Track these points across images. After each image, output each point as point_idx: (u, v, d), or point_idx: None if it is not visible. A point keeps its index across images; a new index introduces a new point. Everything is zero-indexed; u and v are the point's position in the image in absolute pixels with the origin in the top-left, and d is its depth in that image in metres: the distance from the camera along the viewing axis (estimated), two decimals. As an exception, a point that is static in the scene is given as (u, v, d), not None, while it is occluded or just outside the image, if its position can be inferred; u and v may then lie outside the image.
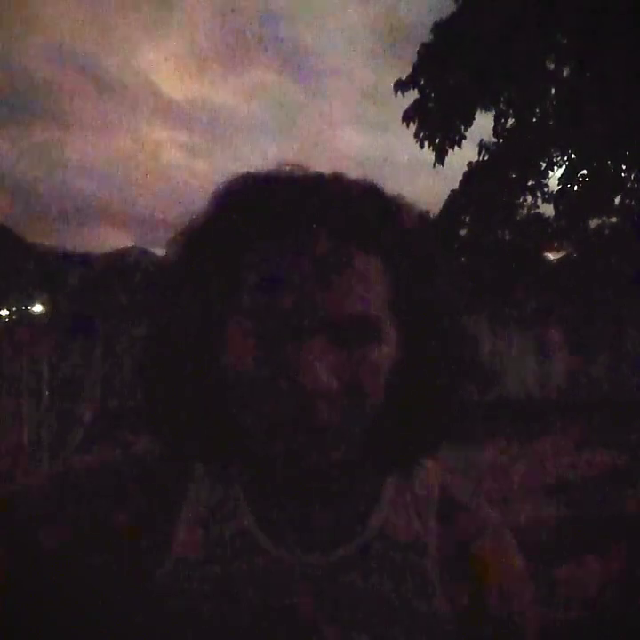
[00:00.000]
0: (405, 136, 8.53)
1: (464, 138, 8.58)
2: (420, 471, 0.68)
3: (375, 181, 0.65)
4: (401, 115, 8.61)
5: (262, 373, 0.57)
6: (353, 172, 0.65)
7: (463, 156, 8.86)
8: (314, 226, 0.58)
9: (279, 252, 0.58)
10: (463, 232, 9.14)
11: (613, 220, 8.83)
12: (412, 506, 0.66)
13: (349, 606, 0.62)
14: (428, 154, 8.56)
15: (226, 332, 0.60)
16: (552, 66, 8.34)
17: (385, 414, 0.60)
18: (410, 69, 8.55)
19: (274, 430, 0.58)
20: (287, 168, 0.65)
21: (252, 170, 0.66)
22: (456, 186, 9.07)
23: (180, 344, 0.62)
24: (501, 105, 8.70)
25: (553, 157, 8.72)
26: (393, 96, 8.54)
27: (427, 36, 8.51)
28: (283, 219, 0.59)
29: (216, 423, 0.61)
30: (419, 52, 8.47)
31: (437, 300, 0.62)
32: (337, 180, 0.64)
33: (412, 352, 0.61)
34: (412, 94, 8.53)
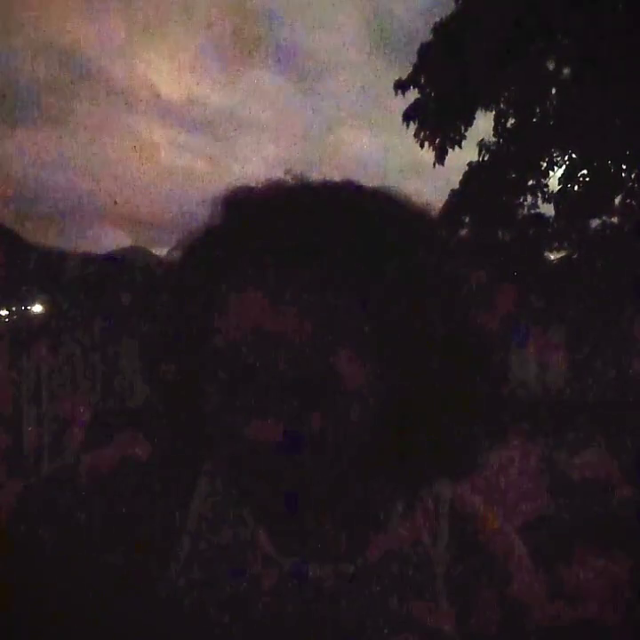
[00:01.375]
0: (404, 136, 8.53)
1: (464, 138, 8.58)
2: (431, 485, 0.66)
3: (391, 190, 0.62)
4: (399, 114, 8.60)
5: (223, 414, 0.58)
6: (352, 173, 0.63)
7: (463, 156, 8.85)
8: (301, 261, 0.56)
9: (243, 304, 0.57)
10: (463, 232, 9.12)
11: (614, 220, 8.83)
12: (422, 520, 0.65)
13: (353, 618, 0.61)
14: (427, 154, 8.55)
15: (200, 360, 0.59)
16: (552, 66, 8.33)
17: (389, 437, 0.58)
18: (406, 69, 8.54)
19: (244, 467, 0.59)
20: (289, 178, 0.63)
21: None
22: (454, 186, 9.06)
23: (171, 351, 0.61)
24: (501, 105, 8.69)
25: (553, 157, 8.71)
26: (390, 96, 8.53)
27: (422, 36, 8.50)
28: (264, 256, 0.57)
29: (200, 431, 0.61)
30: (419, 52, 8.46)
31: (449, 322, 0.60)
32: (342, 195, 0.61)
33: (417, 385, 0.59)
34: (411, 95, 8.52)
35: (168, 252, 0.65)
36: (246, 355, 0.56)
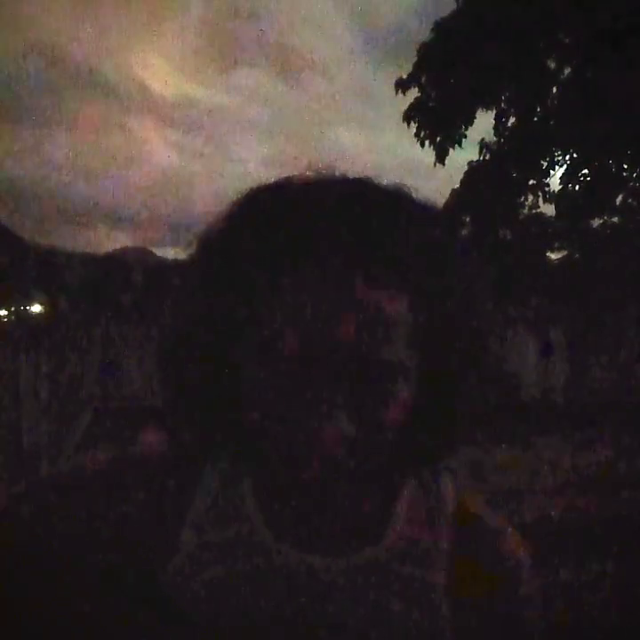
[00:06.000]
0: (394, 135, 8.56)
1: (465, 137, 8.59)
2: (436, 486, 0.67)
3: (406, 191, 0.63)
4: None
5: (278, 410, 0.56)
6: (348, 172, 0.64)
7: (462, 156, 8.87)
8: (342, 262, 0.56)
9: (303, 288, 0.56)
10: (464, 232, 9.14)
11: (615, 219, 8.84)
12: (425, 519, 0.65)
13: (352, 614, 0.61)
14: (421, 153, 8.58)
15: (243, 352, 0.59)
16: (553, 65, 8.35)
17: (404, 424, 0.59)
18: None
19: (284, 457, 0.57)
20: (313, 175, 0.62)
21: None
22: (449, 185, 9.08)
23: (199, 350, 0.61)
24: (502, 104, 8.70)
25: (554, 157, 8.73)
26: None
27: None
28: (310, 244, 0.57)
29: (229, 423, 0.60)
30: (419, 51, 8.47)
31: (462, 316, 0.61)
32: (368, 193, 0.61)
33: (433, 369, 0.60)
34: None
35: (187, 244, 0.64)
36: (305, 343, 0.55)
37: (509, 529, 0.69)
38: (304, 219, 0.58)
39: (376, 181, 0.63)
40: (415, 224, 0.60)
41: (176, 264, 0.67)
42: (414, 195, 0.63)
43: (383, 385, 0.57)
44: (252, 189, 0.63)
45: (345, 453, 0.56)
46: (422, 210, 0.63)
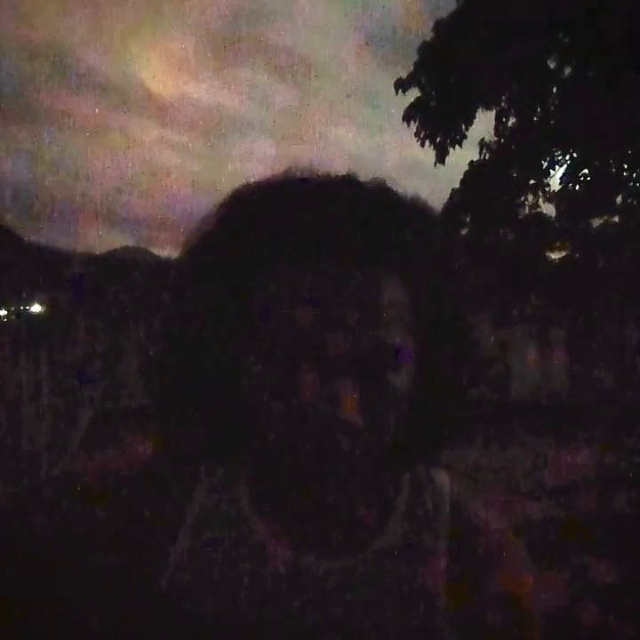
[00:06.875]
0: (394, 135, 8.56)
1: (465, 137, 8.58)
2: (432, 486, 0.67)
3: (389, 184, 0.64)
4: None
5: (280, 403, 0.56)
6: (346, 172, 0.64)
7: (462, 155, 8.87)
8: (334, 248, 0.56)
9: (298, 278, 0.56)
10: (464, 232, 9.13)
11: (615, 219, 8.83)
12: (423, 521, 0.65)
13: (349, 615, 0.61)
14: (421, 153, 8.57)
15: (241, 348, 0.58)
16: (554, 65, 8.34)
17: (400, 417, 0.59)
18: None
19: (287, 452, 0.57)
20: (297, 173, 0.63)
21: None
22: (449, 185, 9.07)
23: (195, 349, 0.61)
24: (503, 104, 8.70)
25: (554, 156, 8.72)
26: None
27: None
28: (298, 238, 0.57)
29: (227, 424, 0.60)
30: (419, 51, 8.47)
31: (456, 308, 0.62)
32: (351, 186, 0.62)
33: (429, 360, 0.60)
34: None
35: (182, 243, 0.65)
36: (304, 333, 0.55)
37: (506, 529, 0.69)
38: (288, 215, 0.58)
39: (359, 178, 0.63)
40: (399, 214, 0.61)
41: (173, 264, 0.67)
42: (398, 190, 0.64)
43: (384, 371, 0.57)
44: (235, 189, 0.64)
45: (349, 445, 0.56)
46: (404, 201, 0.63)
